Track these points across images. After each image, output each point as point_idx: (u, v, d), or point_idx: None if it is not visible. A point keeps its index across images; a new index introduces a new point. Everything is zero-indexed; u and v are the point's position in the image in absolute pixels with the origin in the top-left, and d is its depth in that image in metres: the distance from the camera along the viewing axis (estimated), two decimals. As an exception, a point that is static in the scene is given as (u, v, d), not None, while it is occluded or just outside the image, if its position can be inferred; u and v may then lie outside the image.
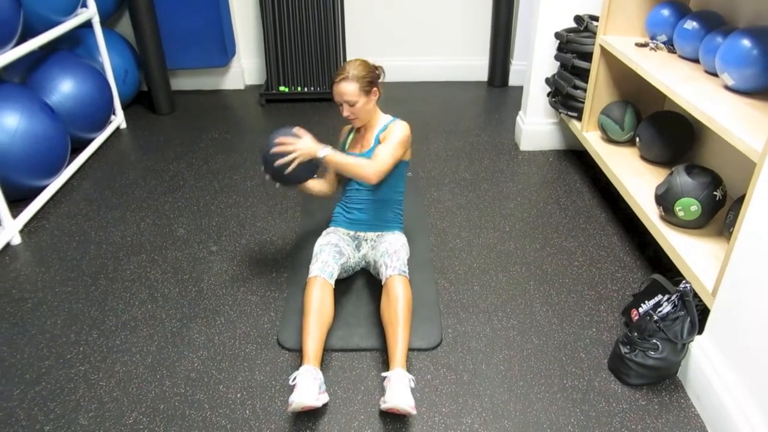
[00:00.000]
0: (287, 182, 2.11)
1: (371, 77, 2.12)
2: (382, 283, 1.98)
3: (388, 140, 2.13)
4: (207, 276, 2.38)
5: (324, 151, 2.03)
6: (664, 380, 1.88)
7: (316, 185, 2.32)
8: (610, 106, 2.80)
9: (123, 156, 3.42)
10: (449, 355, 1.98)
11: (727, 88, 2.07)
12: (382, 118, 2.26)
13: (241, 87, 4.54)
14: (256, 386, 1.86)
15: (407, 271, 2.02)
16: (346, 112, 2.13)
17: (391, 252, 2.06)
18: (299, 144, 2.01)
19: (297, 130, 2.05)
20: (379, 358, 1.96)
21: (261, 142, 3.59)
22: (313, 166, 2.09)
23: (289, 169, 2.00)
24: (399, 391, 1.67)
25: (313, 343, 1.82)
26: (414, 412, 1.67)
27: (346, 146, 2.33)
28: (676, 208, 2.07)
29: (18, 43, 2.70)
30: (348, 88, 2.08)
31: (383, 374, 1.78)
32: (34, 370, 1.92)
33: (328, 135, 3.66)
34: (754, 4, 2.25)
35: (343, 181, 2.32)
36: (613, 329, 2.09)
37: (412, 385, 1.76)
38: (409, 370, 1.89)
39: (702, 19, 2.30)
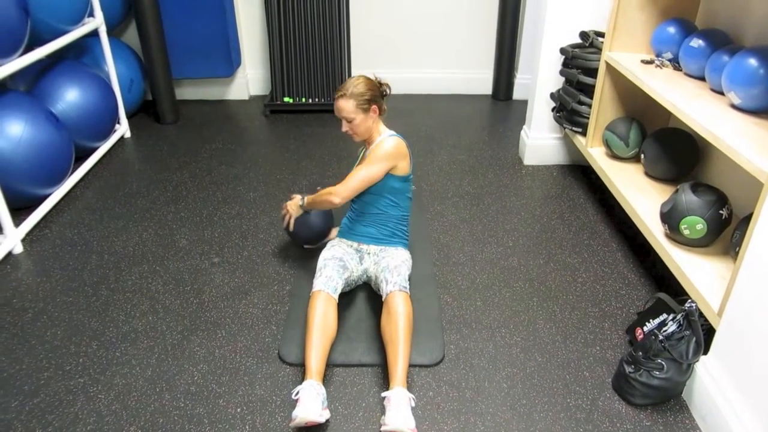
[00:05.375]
0: (303, 240, 2.52)
1: (371, 95, 2.13)
2: (383, 299, 1.97)
3: (368, 159, 2.16)
4: (208, 288, 2.37)
5: (302, 200, 2.32)
6: (668, 400, 1.86)
7: None
8: (615, 122, 2.80)
9: (126, 165, 3.42)
10: (451, 371, 1.96)
11: (734, 106, 2.06)
12: (381, 135, 2.23)
13: (246, 97, 4.55)
14: (257, 401, 1.84)
15: (408, 286, 2.01)
16: (344, 127, 2.17)
17: (392, 267, 2.05)
18: (287, 204, 2.36)
19: (293, 195, 2.39)
20: (381, 374, 1.94)
21: (264, 153, 3.59)
22: (304, 224, 2.41)
23: (291, 227, 2.39)
24: (399, 412, 1.65)
25: (316, 357, 1.80)
26: None
27: (357, 163, 2.33)
28: (682, 227, 2.06)
29: (25, 52, 2.71)
30: (345, 105, 2.11)
31: (383, 394, 1.76)
32: (33, 381, 1.91)
33: (332, 146, 3.67)
34: (760, 23, 2.25)
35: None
36: (618, 347, 2.07)
37: (413, 404, 1.75)
38: (410, 387, 1.87)
39: (708, 37, 2.30)
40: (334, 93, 4.07)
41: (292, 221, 2.36)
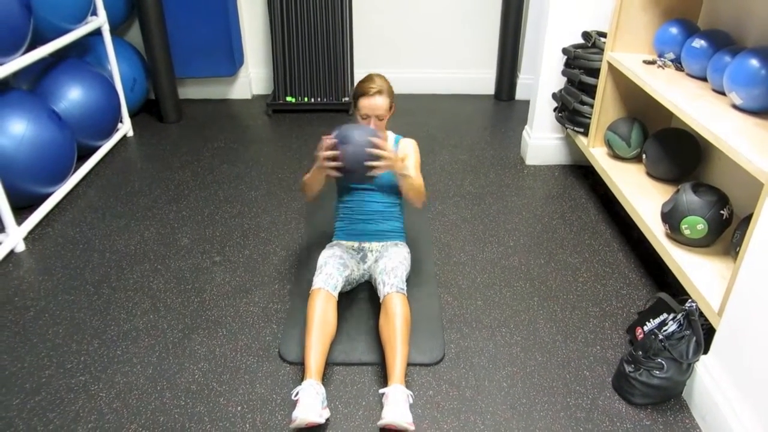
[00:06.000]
0: (354, 179, 2.06)
1: (393, 93, 2.18)
2: (381, 300, 1.98)
3: (415, 163, 2.23)
4: (209, 287, 2.37)
5: (409, 171, 2.06)
6: (668, 400, 1.86)
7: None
8: (616, 122, 2.80)
9: (129, 164, 3.43)
10: (451, 370, 1.96)
11: (735, 107, 2.06)
12: (389, 134, 2.27)
13: (248, 97, 4.55)
14: (257, 399, 1.84)
15: (405, 288, 2.01)
16: (373, 125, 2.13)
17: (389, 269, 2.05)
18: (391, 152, 1.94)
19: (380, 133, 1.97)
20: (381, 373, 1.94)
21: (266, 152, 3.59)
22: (377, 175, 1.99)
23: (375, 172, 1.92)
24: (396, 407, 1.66)
25: (315, 356, 1.81)
26: (412, 428, 1.66)
27: None
28: (682, 227, 2.06)
29: (27, 50, 2.72)
30: (382, 102, 2.11)
31: (381, 390, 1.77)
32: (34, 379, 1.91)
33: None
34: (762, 24, 2.24)
35: (341, 192, 2.30)
36: (618, 347, 2.07)
37: (411, 400, 1.75)
38: (410, 386, 1.88)
39: (710, 37, 2.29)
40: (337, 92, 4.15)
41: (381, 169, 1.93)
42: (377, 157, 1.90)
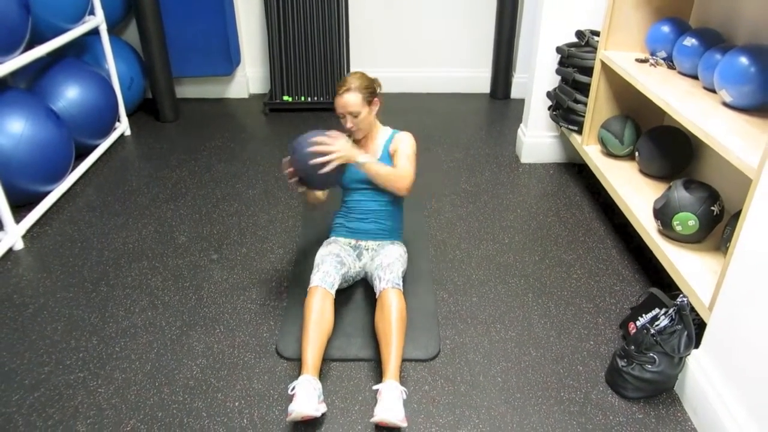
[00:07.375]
0: (317, 185, 2.10)
1: (372, 88, 2.17)
2: (376, 296, 2.00)
3: (404, 153, 2.18)
4: (207, 284, 2.39)
5: (364, 158, 2.06)
6: (660, 394, 1.88)
7: (320, 192, 2.33)
8: (610, 120, 2.82)
9: (126, 163, 3.44)
10: (447, 366, 1.99)
11: (725, 104, 2.08)
12: (383, 130, 2.29)
13: (245, 96, 4.57)
14: (255, 395, 1.86)
15: (401, 284, 2.03)
16: (349, 123, 2.15)
17: (384, 265, 2.07)
18: (338, 145, 2.00)
19: (332, 132, 2.05)
20: (377, 369, 1.96)
21: (263, 151, 3.61)
22: (340, 171, 2.06)
23: (326, 169, 1.97)
24: (388, 403, 1.68)
25: (312, 352, 1.83)
26: (404, 424, 1.68)
27: None
28: (674, 223, 2.08)
29: (25, 50, 2.73)
30: (352, 99, 2.11)
31: (375, 386, 1.79)
32: (33, 375, 1.93)
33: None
34: (751, 23, 2.27)
35: (342, 192, 2.32)
36: (611, 342, 2.10)
37: (404, 396, 1.77)
38: (406, 381, 1.90)
39: (701, 36, 2.32)
40: (333, 92, 4.16)
41: (333, 165, 1.98)
42: (323, 155, 1.97)
